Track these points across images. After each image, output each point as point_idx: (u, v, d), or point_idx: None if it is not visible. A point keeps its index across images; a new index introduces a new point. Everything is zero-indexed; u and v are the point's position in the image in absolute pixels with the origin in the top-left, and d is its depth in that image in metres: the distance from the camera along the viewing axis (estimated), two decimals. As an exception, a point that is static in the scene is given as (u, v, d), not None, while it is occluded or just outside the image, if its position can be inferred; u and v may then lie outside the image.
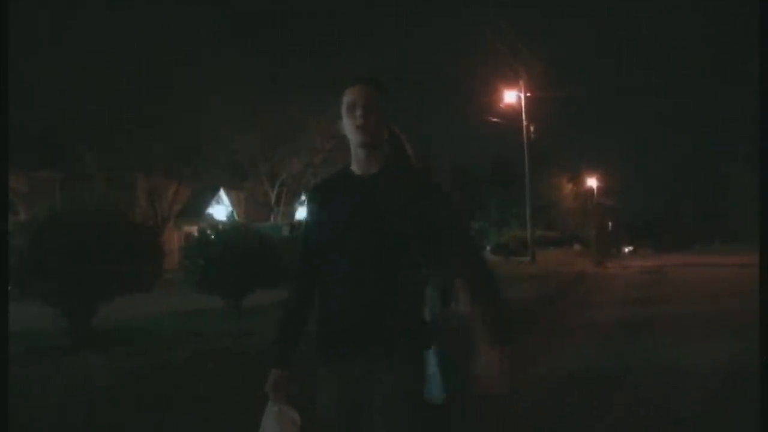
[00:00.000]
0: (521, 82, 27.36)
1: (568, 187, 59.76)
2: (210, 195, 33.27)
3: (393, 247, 1.83)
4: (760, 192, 4.44)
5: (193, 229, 30.91)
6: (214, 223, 13.74)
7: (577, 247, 43.57)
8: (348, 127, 1.90)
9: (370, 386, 1.83)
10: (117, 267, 6.08)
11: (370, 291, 1.83)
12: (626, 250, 59.42)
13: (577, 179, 58.48)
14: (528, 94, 27.53)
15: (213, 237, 8.71)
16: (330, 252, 1.89)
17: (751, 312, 8.18)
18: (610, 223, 60.15)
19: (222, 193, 33.98)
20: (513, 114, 28.37)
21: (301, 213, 30.83)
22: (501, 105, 28.00)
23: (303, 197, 31.06)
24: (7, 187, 14.62)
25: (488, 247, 45.41)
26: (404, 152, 2.05)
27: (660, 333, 7.70)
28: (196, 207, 32.14)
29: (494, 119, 28.28)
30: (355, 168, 1.94)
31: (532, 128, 27.31)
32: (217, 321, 7.92)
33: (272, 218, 30.96)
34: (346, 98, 1.90)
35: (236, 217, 32.25)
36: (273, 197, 32.00)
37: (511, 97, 27.69)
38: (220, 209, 33.54)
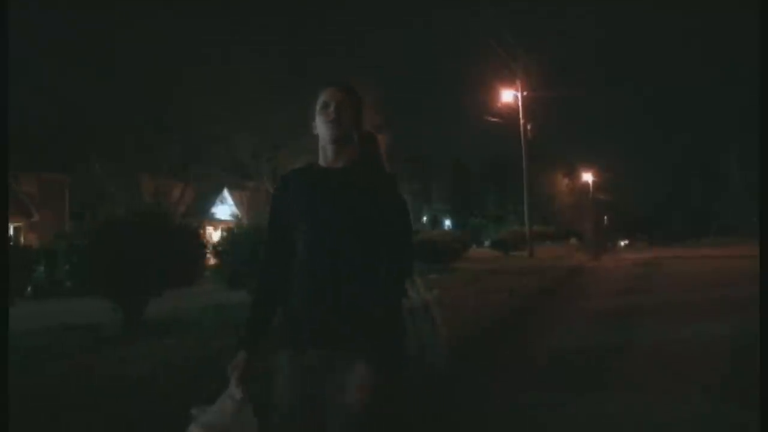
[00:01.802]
0: (518, 82, 28.17)
1: (564, 183, 60.62)
2: (214, 195, 33.97)
3: (353, 238, 1.91)
4: (760, 188, 4.97)
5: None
6: (240, 224, 14.42)
7: (573, 241, 44.37)
8: (320, 124, 2.02)
9: (327, 374, 1.90)
10: (167, 264, 6.86)
11: (330, 281, 1.90)
12: (622, 244, 60.23)
13: (573, 175, 59.28)
14: (525, 93, 28.32)
15: (240, 236, 9.43)
16: (295, 241, 1.98)
17: (737, 298, 9.04)
18: (605, 218, 60.99)
19: (226, 193, 34.69)
20: (510, 113, 29.18)
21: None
22: (499, 104, 28.82)
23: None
24: (7, 189, 15.27)
25: (486, 242, 46.21)
26: (376, 153, 2.13)
27: (649, 317, 8.46)
28: (201, 206, 32.81)
29: (492, 119, 29.08)
30: (322, 161, 2.05)
31: (529, 127, 28.09)
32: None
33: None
34: (321, 98, 2.04)
35: (240, 216, 33.06)
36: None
37: (508, 96, 28.51)
38: (224, 209, 34.26)
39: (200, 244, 7.50)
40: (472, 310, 8.25)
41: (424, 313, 2.40)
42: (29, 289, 15.85)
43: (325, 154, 2.03)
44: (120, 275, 6.61)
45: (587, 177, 57.44)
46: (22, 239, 23.57)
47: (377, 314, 1.88)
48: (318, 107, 2.03)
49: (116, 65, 25.42)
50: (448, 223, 62.04)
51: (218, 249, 8.97)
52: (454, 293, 10.50)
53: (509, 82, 28.58)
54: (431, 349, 2.42)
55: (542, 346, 6.63)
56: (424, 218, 57.66)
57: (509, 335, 7.56)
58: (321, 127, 2.02)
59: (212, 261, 9.67)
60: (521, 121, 27.95)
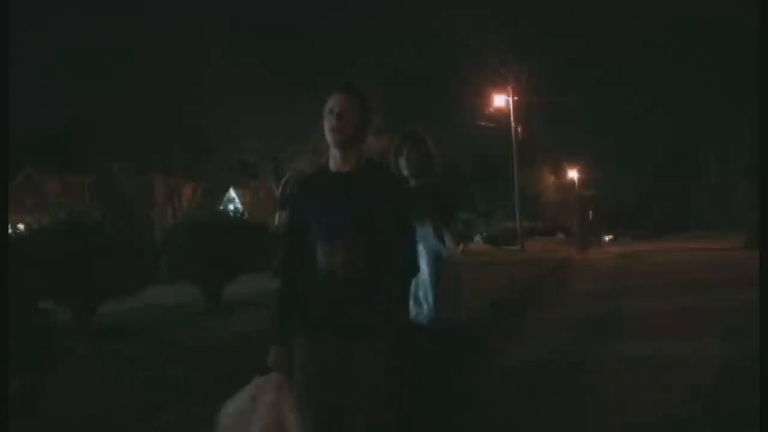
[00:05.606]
0: (509, 88, 29.98)
1: (550, 180, 62.30)
2: (221, 193, 35.40)
3: (361, 237, 2.03)
4: (760, 189, 5.91)
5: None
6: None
7: (560, 236, 46.20)
8: (326, 130, 2.11)
9: (343, 361, 2.02)
10: (247, 254, 8.57)
11: (343, 277, 2.01)
12: (606, 238, 62.16)
13: (559, 171, 60.93)
14: (516, 98, 30.11)
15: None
16: (310, 239, 2.09)
17: (704, 282, 10.89)
18: (590, 213, 62.84)
19: (232, 192, 36.13)
20: (501, 115, 30.97)
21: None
22: (491, 108, 30.61)
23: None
24: (7, 187, 16.79)
25: (476, 237, 47.87)
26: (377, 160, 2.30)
27: (633, 294, 10.23)
28: (209, 204, 34.18)
29: (489, 124, 30.87)
30: (331, 165, 2.15)
31: (519, 129, 29.86)
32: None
33: (276, 213, 33.03)
34: (328, 104, 2.11)
35: (243, 213, 34.44)
36: (278, 194, 34.11)
37: (500, 101, 30.31)
38: (230, 206, 35.79)
39: (268, 239, 9.18)
40: (485, 291, 9.83)
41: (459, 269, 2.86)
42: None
43: (333, 157, 2.14)
44: (210, 264, 8.28)
45: (572, 174, 59.12)
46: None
47: (387, 307, 2.04)
48: (325, 112, 2.11)
49: (133, 72, 26.73)
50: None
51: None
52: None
53: (501, 87, 30.34)
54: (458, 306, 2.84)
55: (554, 314, 8.42)
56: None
57: (523, 307, 9.31)
58: (326, 134, 2.12)
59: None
60: (512, 124, 29.72)
